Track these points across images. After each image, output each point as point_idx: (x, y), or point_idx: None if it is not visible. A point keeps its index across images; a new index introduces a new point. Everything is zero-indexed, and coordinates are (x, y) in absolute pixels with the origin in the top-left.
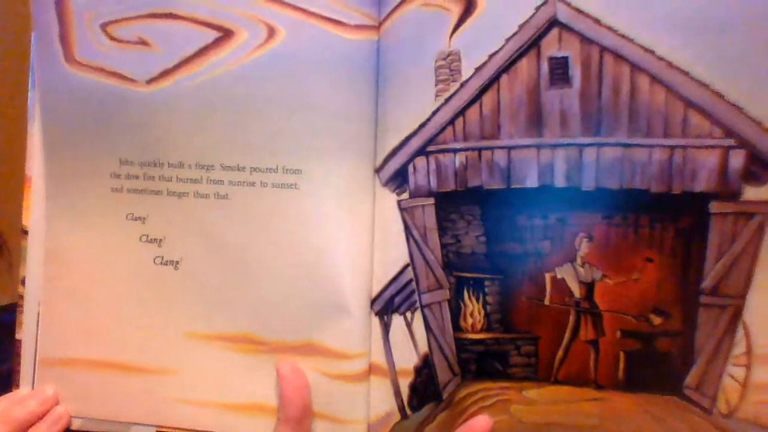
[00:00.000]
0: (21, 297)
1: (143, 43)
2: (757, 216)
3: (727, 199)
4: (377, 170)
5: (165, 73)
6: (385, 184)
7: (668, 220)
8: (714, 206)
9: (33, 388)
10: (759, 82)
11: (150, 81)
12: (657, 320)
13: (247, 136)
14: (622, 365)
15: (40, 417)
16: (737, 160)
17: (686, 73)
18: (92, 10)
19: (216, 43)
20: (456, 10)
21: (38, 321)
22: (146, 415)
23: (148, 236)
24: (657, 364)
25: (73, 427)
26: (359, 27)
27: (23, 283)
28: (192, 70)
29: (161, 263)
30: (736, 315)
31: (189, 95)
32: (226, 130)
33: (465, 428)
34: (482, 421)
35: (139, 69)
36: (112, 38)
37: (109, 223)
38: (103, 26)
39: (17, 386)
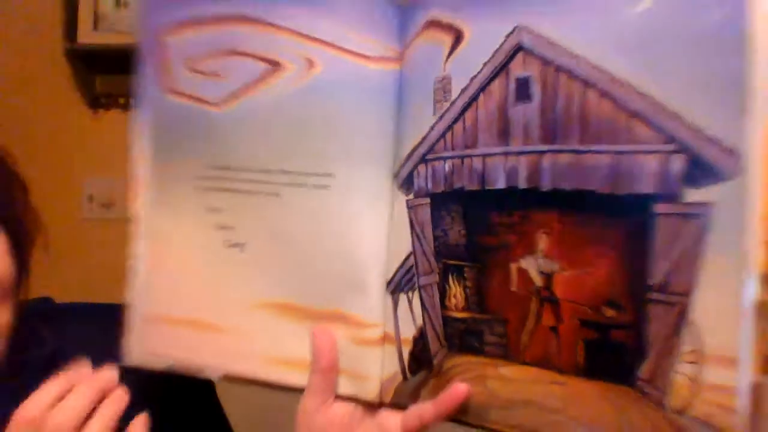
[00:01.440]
0: (132, 267)
1: (215, 74)
2: (697, 216)
3: (669, 200)
4: (395, 176)
5: (232, 97)
6: (400, 187)
7: (618, 219)
8: (657, 207)
9: (139, 339)
10: (696, 92)
11: (221, 103)
12: (609, 312)
13: (295, 147)
14: (581, 353)
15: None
16: (677, 164)
17: (630, 86)
18: (182, 51)
19: (268, 73)
20: (449, 42)
21: (141, 285)
22: (216, 363)
23: (222, 225)
24: (613, 354)
25: (165, 366)
26: (383, 59)
27: (133, 256)
28: (251, 95)
29: (230, 246)
30: (683, 313)
31: (250, 115)
32: (279, 142)
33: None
34: (461, 387)
35: (214, 94)
36: (194, 71)
37: (193, 213)
38: (188, 62)
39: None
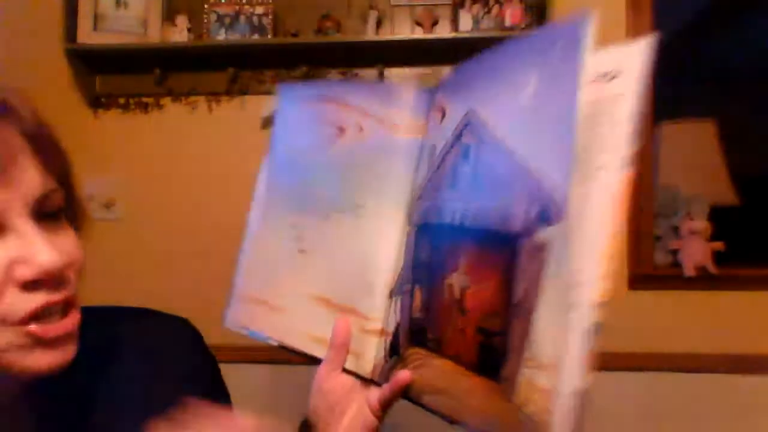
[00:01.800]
0: (239, 258)
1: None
2: (540, 251)
3: (527, 237)
4: (407, 212)
5: (316, 150)
6: (409, 220)
7: (501, 250)
8: (521, 242)
9: (233, 310)
10: (549, 156)
11: (310, 153)
12: (492, 322)
13: (342, 184)
14: (478, 353)
15: None
16: (533, 210)
17: (514, 153)
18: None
19: (336, 135)
20: (439, 117)
21: (241, 271)
22: (276, 335)
23: (296, 236)
24: (493, 356)
25: (243, 331)
26: (410, 129)
27: (241, 251)
28: (326, 149)
29: (299, 251)
30: (530, 326)
31: (322, 161)
32: (333, 180)
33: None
34: (405, 373)
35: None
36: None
37: (281, 225)
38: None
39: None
